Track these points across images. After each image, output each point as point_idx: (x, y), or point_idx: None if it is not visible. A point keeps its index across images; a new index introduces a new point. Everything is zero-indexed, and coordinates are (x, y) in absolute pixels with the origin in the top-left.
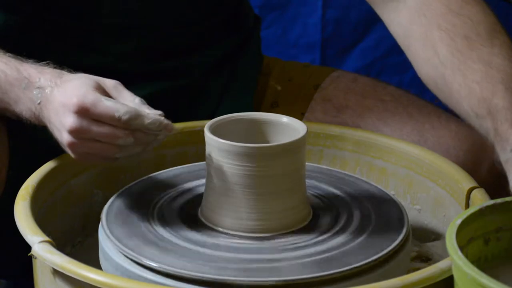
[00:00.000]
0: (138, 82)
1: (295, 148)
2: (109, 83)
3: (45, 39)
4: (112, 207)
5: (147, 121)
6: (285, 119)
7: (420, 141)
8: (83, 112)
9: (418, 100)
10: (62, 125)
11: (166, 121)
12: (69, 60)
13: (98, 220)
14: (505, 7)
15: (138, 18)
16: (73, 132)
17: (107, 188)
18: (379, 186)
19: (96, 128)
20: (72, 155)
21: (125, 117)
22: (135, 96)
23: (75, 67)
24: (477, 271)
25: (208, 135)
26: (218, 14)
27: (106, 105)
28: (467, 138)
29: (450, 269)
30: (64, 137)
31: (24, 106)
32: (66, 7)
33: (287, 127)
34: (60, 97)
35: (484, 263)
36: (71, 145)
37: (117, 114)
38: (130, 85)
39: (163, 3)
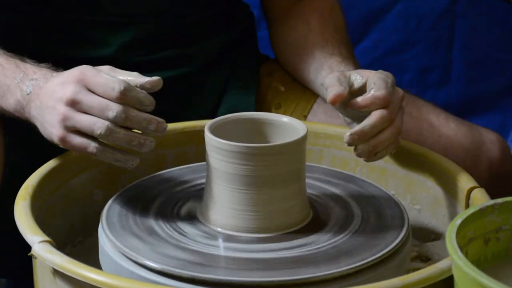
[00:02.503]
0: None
1: (295, 148)
2: (104, 68)
3: (44, 33)
4: (112, 207)
5: (141, 94)
6: (285, 119)
7: (419, 140)
8: (82, 81)
9: (418, 99)
10: (58, 99)
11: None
12: (68, 52)
13: (98, 220)
14: (505, 7)
15: (137, 9)
16: (70, 101)
17: (107, 188)
18: (379, 186)
19: (92, 97)
20: (59, 132)
21: (119, 88)
22: (131, 72)
23: (74, 59)
24: (477, 271)
25: (208, 135)
26: (215, 5)
27: (104, 76)
28: (466, 137)
29: (450, 269)
30: (57, 112)
31: (12, 98)
32: (66, 1)
33: (287, 127)
34: (58, 79)
35: (484, 263)
36: (64, 118)
37: (111, 85)
38: None
39: None
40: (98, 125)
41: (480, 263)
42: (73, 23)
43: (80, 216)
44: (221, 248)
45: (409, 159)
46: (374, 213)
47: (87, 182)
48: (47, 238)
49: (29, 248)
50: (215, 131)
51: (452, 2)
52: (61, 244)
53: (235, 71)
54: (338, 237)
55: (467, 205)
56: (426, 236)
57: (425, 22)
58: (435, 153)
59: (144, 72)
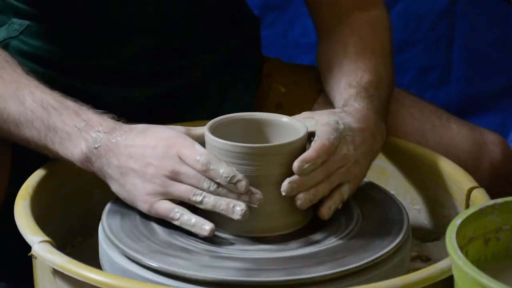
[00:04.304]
0: (142, 83)
1: (295, 148)
2: (180, 128)
3: (52, 41)
4: (112, 207)
5: (222, 169)
6: (285, 119)
7: (421, 141)
8: (176, 152)
9: (420, 101)
10: (156, 167)
11: (243, 182)
12: (77, 61)
13: (98, 220)
14: (505, 7)
15: (145, 22)
16: (171, 172)
17: (107, 188)
18: (379, 186)
19: (189, 169)
20: (152, 200)
21: (202, 161)
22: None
23: (81, 68)
24: (477, 271)
25: (208, 135)
26: (221, 16)
27: (195, 148)
28: (467, 138)
29: (450, 269)
30: (154, 181)
31: (74, 148)
32: (73, 10)
33: (287, 127)
34: (141, 139)
35: (484, 263)
36: (161, 188)
37: (197, 158)
38: (135, 86)
39: (168, 5)
40: (195, 192)
41: (480, 263)
42: (79, 33)
43: (80, 216)
44: (220, 248)
45: (409, 159)
46: (374, 213)
47: (87, 182)
48: (47, 238)
49: (29, 249)
50: (215, 131)
51: (452, 2)
52: (61, 244)
53: (236, 72)
54: (338, 237)
55: (467, 205)
56: (426, 236)
57: (425, 22)
58: (435, 153)
59: (150, 81)
